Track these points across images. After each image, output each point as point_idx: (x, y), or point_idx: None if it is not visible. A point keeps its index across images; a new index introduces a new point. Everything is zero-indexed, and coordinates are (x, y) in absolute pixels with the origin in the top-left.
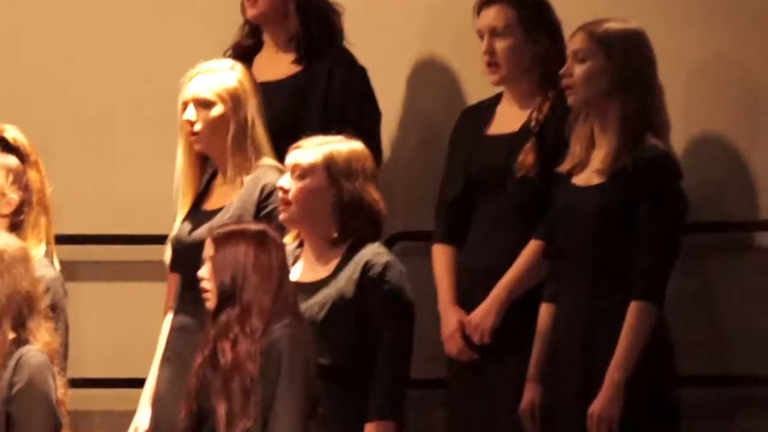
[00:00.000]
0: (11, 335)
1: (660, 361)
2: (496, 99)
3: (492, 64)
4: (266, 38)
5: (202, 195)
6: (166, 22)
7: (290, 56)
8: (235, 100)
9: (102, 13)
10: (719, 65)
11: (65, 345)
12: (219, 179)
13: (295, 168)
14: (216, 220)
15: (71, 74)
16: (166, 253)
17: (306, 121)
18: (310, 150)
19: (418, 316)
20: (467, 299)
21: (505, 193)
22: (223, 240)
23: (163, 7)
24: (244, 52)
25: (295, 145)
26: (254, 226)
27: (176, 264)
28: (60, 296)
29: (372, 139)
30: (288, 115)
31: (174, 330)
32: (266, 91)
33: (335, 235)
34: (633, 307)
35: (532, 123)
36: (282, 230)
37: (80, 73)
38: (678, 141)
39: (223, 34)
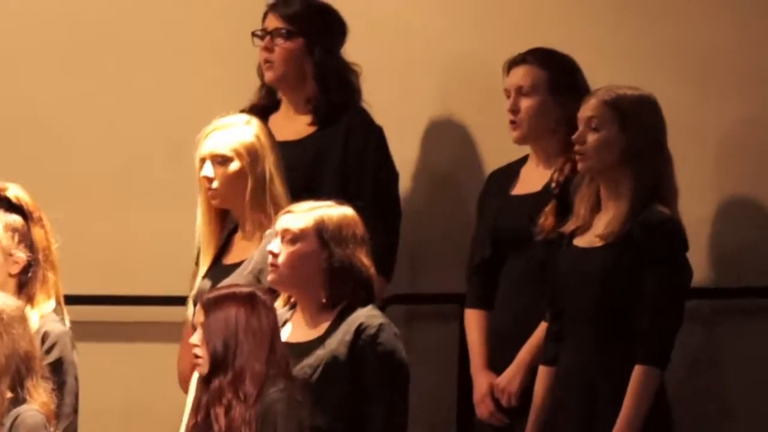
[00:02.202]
0: (9, 395)
1: (657, 426)
2: (523, 160)
3: (515, 123)
4: (283, 99)
5: (222, 249)
6: (181, 80)
7: (307, 118)
8: (252, 155)
9: (115, 70)
10: (749, 130)
11: (76, 399)
12: (239, 234)
13: (285, 233)
14: (235, 275)
15: (80, 133)
16: (188, 310)
17: (322, 182)
18: (301, 215)
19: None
20: (497, 361)
21: (528, 254)
22: (212, 305)
23: (177, 67)
24: (261, 112)
25: (285, 210)
26: (244, 289)
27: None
28: (68, 351)
29: (389, 200)
30: (304, 175)
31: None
32: (283, 150)
33: (324, 300)
34: (637, 372)
35: (553, 184)
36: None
37: (90, 132)
38: (708, 206)
39: (240, 93)
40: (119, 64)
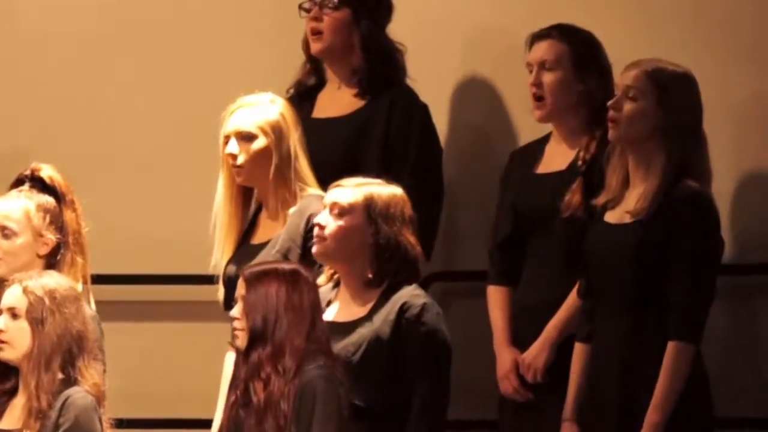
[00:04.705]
0: (60, 375)
1: (697, 402)
2: (546, 138)
3: (538, 98)
4: (329, 74)
5: (248, 229)
6: (220, 60)
7: (352, 91)
8: (277, 132)
9: (143, 50)
10: (766, 104)
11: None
12: (264, 213)
13: (333, 206)
14: (262, 255)
15: (116, 112)
16: (219, 292)
17: (366, 158)
18: (351, 189)
19: (454, 357)
20: (521, 338)
21: (552, 232)
22: (254, 279)
23: (217, 48)
24: (307, 90)
25: (335, 183)
26: (287, 266)
27: (229, 301)
28: (97, 336)
29: (433, 177)
30: (348, 150)
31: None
32: (328, 126)
33: (370, 275)
34: (671, 348)
35: (579, 162)
36: (317, 268)
37: (125, 111)
38: (725, 181)
39: (278, 73)
40: (158, 45)
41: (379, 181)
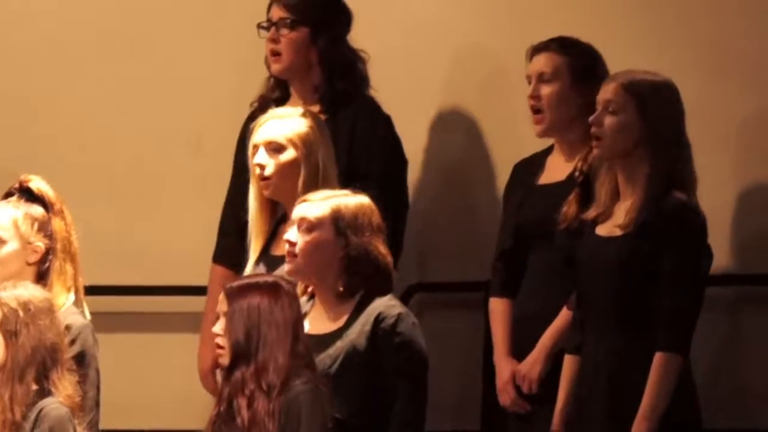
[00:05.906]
0: (34, 387)
1: (685, 414)
2: (548, 151)
3: (537, 111)
4: (292, 91)
5: (270, 240)
6: (201, 72)
7: (315, 107)
8: (307, 145)
9: (129, 63)
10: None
11: (98, 392)
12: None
13: (302, 222)
14: (282, 268)
15: (102, 124)
16: None
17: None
18: (317, 203)
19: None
20: (520, 348)
21: (552, 243)
22: (235, 294)
23: (197, 60)
24: (271, 104)
25: (301, 198)
26: (268, 279)
27: None
28: (90, 344)
29: (397, 188)
30: None
31: None
32: None
33: (341, 288)
34: (658, 358)
35: (576, 173)
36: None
37: (111, 123)
38: (729, 193)
39: (250, 85)
40: (138, 57)
41: (346, 192)
